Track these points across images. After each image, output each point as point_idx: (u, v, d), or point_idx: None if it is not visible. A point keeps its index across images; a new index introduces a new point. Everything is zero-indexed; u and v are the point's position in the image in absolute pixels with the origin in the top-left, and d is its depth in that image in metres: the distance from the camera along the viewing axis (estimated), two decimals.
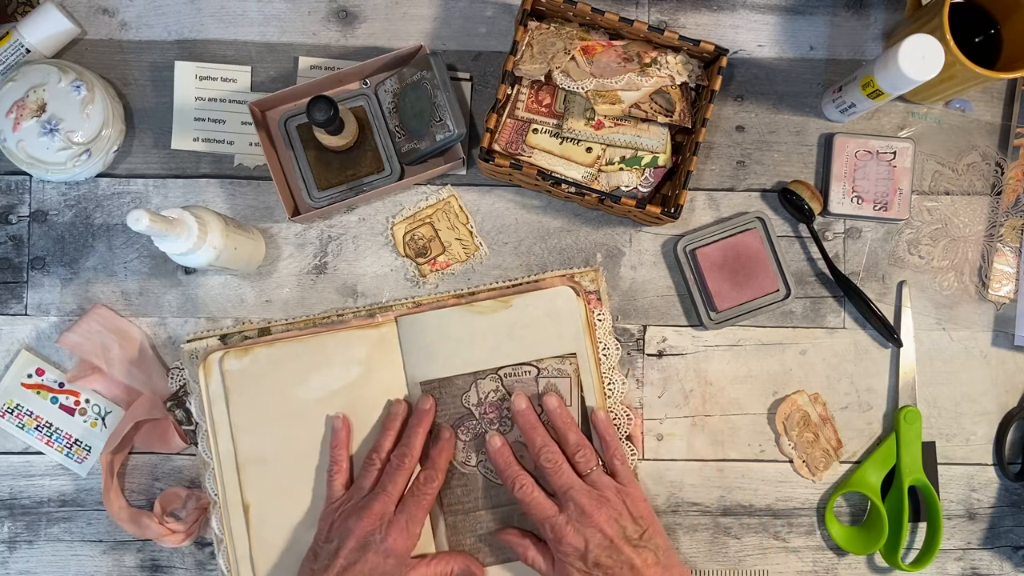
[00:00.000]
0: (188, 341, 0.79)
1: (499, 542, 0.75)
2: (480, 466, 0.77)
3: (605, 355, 0.79)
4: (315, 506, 0.76)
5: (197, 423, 0.77)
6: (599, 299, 0.79)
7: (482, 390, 0.77)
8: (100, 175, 0.80)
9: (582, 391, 0.77)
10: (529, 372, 0.77)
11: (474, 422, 0.76)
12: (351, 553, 0.68)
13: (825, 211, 0.81)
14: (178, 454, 0.80)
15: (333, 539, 0.70)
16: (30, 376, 0.79)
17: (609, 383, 0.78)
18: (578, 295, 0.78)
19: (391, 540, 0.69)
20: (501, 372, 0.77)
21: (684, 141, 0.79)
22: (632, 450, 0.79)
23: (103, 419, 0.80)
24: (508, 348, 0.77)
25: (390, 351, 0.77)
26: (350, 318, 0.79)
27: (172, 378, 0.79)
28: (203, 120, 0.81)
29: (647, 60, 0.77)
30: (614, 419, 0.78)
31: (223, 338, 0.79)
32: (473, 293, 0.80)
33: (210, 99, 0.81)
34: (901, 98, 0.82)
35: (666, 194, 0.79)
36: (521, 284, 0.80)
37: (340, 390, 0.77)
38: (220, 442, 0.76)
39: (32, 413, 0.79)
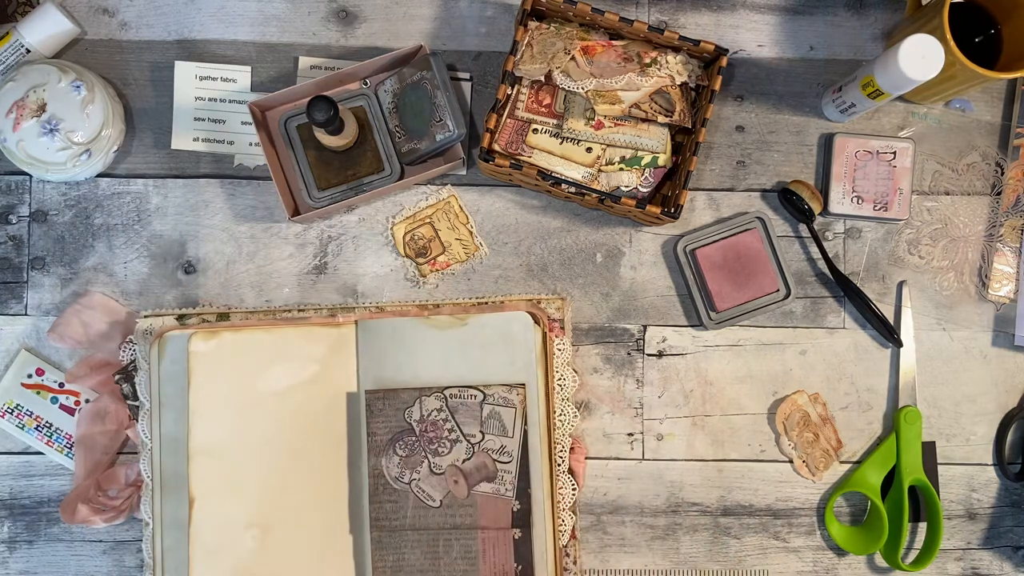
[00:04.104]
0: (144, 316, 0.78)
1: (420, 565, 0.74)
2: (413, 484, 0.75)
3: (560, 385, 0.77)
4: (258, 509, 0.74)
5: (141, 401, 0.76)
6: (562, 328, 0.78)
7: (425, 407, 0.75)
8: (100, 175, 0.80)
9: (526, 424, 0.75)
10: (475, 396, 0.75)
11: (413, 438, 0.75)
12: None
13: (825, 211, 0.81)
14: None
15: None
16: (30, 376, 0.79)
17: (560, 414, 0.77)
18: (536, 323, 0.77)
19: None
20: (447, 392, 0.75)
21: (684, 141, 0.79)
22: (572, 485, 0.77)
23: None
24: (457, 368, 0.75)
25: (347, 353, 0.76)
26: (311, 315, 0.79)
27: (124, 351, 0.78)
28: (203, 120, 0.81)
29: (647, 60, 0.77)
30: (559, 451, 0.77)
31: (180, 318, 0.78)
32: (437, 306, 0.79)
33: (210, 99, 0.81)
34: (901, 98, 0.82)
35: (666, 194, 0.79)
36: (486, 302, 0.79)
37: (297, 386, 0.76)
38: (168, 426, 0.75)
39: (32, 413, 0.79)
